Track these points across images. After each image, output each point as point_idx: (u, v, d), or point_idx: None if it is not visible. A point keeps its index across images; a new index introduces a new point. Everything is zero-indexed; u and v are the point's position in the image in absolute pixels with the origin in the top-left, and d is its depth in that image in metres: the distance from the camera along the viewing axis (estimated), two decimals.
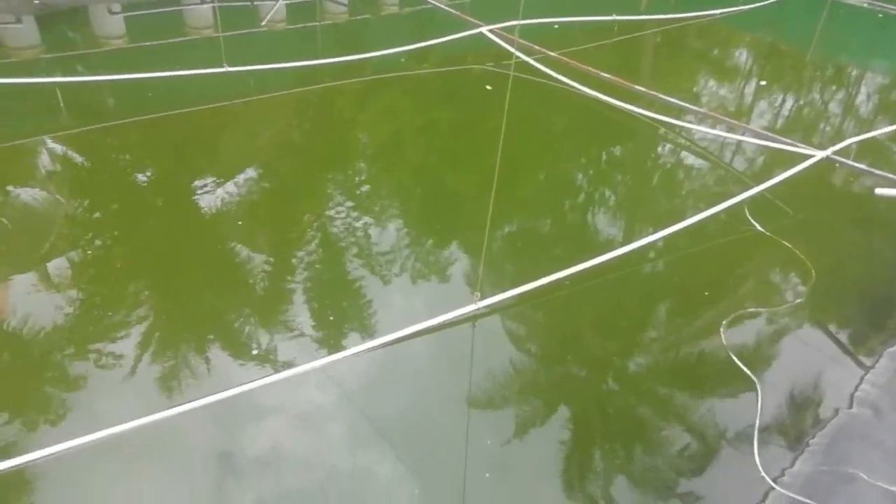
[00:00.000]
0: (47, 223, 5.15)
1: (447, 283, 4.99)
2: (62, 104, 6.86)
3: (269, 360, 4.15)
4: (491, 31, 8.68)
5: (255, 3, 10.00)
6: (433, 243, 5.44)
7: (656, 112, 7.53)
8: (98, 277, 4.68)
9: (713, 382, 4.37)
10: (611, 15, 10.44)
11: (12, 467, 3.36)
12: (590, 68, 7.96)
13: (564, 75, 7.77)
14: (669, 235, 5.43)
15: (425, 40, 8.69)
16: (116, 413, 3.65)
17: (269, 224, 5.54)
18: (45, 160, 6.00)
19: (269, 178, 6.13)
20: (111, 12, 8.82)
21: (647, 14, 11.88)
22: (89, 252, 4.91)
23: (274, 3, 9.89)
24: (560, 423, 4.00)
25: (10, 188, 5.51)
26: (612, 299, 5.05)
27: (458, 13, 9.57)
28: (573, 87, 7.60)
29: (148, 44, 8.45)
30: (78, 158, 6.10)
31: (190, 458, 3.54)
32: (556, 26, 10.08)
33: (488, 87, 8.03)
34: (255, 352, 4.20)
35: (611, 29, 10.26)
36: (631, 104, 7.44)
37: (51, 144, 6.19)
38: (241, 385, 3.92)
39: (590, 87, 7.58)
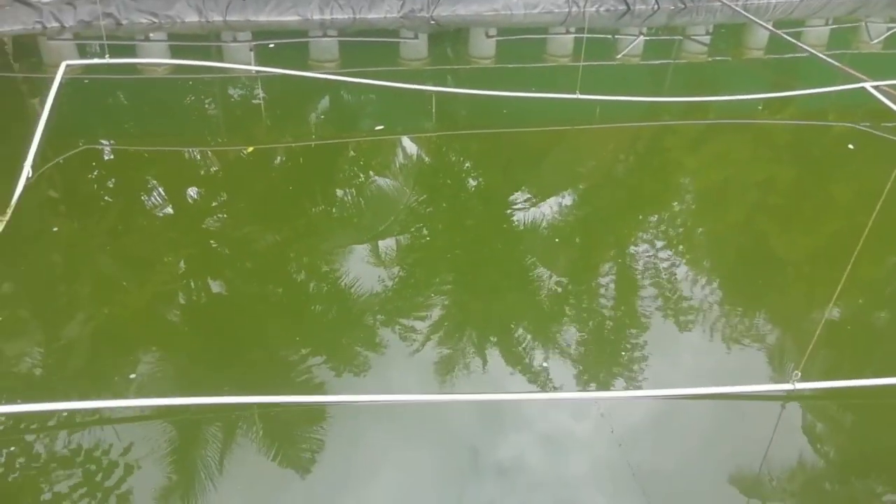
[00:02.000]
0: (390, 208, 6.02)
1: (760, 353, 4.53)
2: (433, 110, 7.92)
3: (542, 377, 4.26)
4: (876, 87, 7.57)
5: (616, 36, 10.25)
6: (748, 307, 4.97)
7: None
8: (417, 262, 5.32)
9: None
10: None
11: (306, 403, 4.02)
12: None
13: None
14: None
15: (786, 90, 7.95)
16: (399, 383, 4.13)
17: (575, 249, 5.67)
18: (401, 154, 7.01)
19: (583, 205, 6.26)
20: (487, 36, 9.86)
21: None
22: (415, 239, 5.60)
23: (634, 37, 10.02)
24: None
25: (371, 173, 6.57)
26: None
27: (836, 63, 8.54)
28: None
29: (511, 66, 9.27)
30: (427, 157, 7.00)
31: (439, 443, 3.82)
32: None
33: (850, 146, 7.03)
34: (531, 365, 4.34)
35: None
36: None
37: (409, 142, 7.20)
38: (510, 393, 4.10)
39: None
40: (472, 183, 6.53)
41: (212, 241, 5.55)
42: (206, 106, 8.01)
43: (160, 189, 6.12)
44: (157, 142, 6.88)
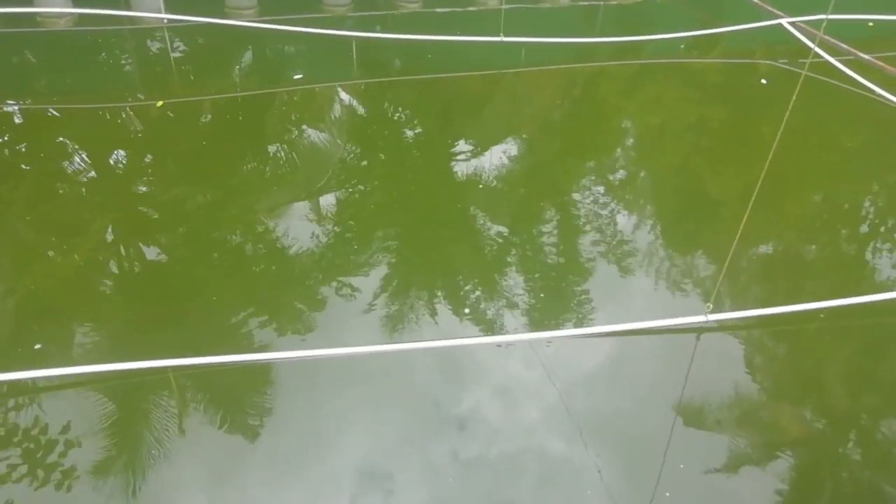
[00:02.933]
0: (325, 163, 5.83)
1: (680, 289, 4.69)
2: (355, 57, 7.66)
3: (484, 322, 4.30)
4: (792, 23, 7.77)
5: None
6: (675, 244, 5.12)
7: None
8: (354, 216, 5.20)
9: None
10: None
11: (255, 361, 3.94)
12: None
13: (875, 83, 6.69)
14: None
15: (712, 28, 8.07)
16: (347, 337, 4.09)
17: (516, 197, 5.66)
18: (332, 105, 6.78)
19: (522, 151, 6.24)
20: None
21: None
22: (352, 194, 5.46)
23: None
24: (775, 470, 3.57)
25: (304, 126, 6.33)
26: (876, 347, 4.33)
27: (757, 1, 8.69)
28: (886, 98, 6.52)
29: (439, 10, 9.01)
30: (359, 107, 6.80)
31: (396, 392, 3.83)
32: (871, 24, 8.68)
33: (763, 81, 7.25)
34: (471, 312, 4.37)
35: None
36: None
37: (339, 92, 6.95)
38: (454, 339, 4.13)
39: None
40: (409, 133, 6.39)
41: (136, 204, 5.26)
42: (116, 59, 7.50)
43: (73, 150, 5.73)
44: (64, 99, 6.41)
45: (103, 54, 7.52)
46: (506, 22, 7.52)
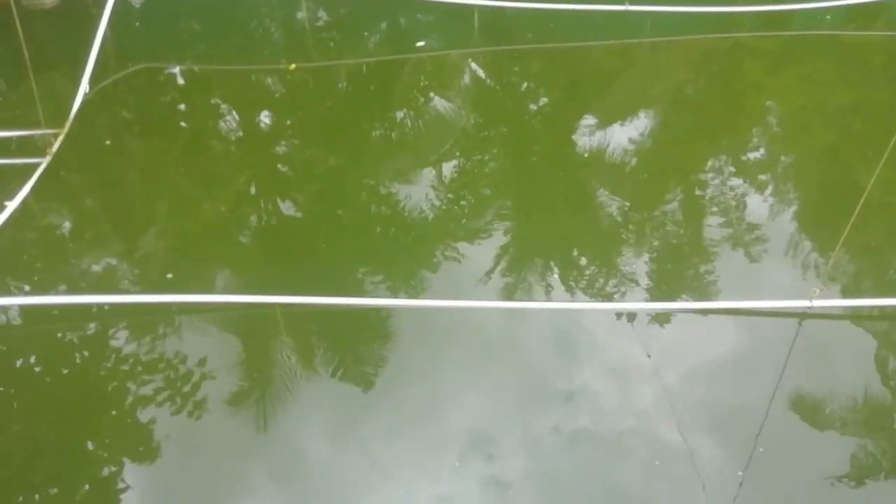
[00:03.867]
0: (448, 131, 5.98)
1: (790, 272, 4.60)
2: (476, 25, 7.69)
3: (593, 289, 4.43)
4: None
5: None
6: (795, 229, 4.96)
7: None
8: (471, 185, 5.37)
9: None
10: None
11: (375, 305, 4.29)
12: None
13: None
14: None
15: None
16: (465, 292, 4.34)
17: (638, 173, 5.64)
18: (458, 74, 6.89)
19: (649, 128, 6.11)
20: None
21: None
22: (471, 164, 5.61)
23: None
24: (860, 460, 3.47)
25: (431, 94, 6.49)
26: None
27: None
28: None
29: None
30: (484, 77, 6.87)
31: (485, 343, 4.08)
32: None
33: None
34: (581, 279, 4.53)
35: None
36: None
37: (462, 61, 7.04)
38: (564, 301, 4.30)
39: None
40: (533, 106, 6.44)
41: (277, 163, 5.68)
42: (255, 25, 7.92)
43: (221, 110, 6.21)
44: (218, 60, 6.89)
45: (245, 19, 7.98)
46: None
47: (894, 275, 4.63)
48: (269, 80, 6.69)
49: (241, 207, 5.17)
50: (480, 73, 6.98)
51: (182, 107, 6.34)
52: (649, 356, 3.96)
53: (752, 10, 7.59)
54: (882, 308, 4.29)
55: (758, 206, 5.12)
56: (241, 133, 5.98)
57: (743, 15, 7.63)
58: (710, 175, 5.47)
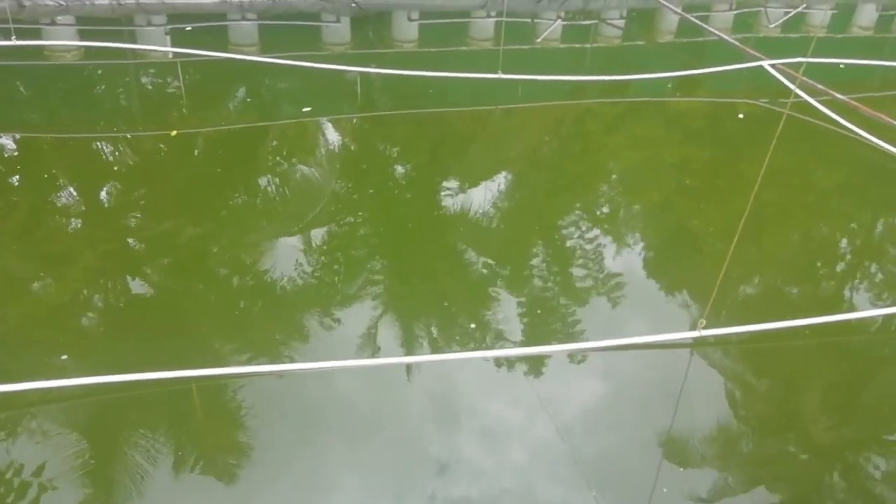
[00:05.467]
0: (316, 196, 5.98)
1: (672, 307, 4.89)
2: (356, 91, 7.93)
3: (474, 338, 4.43)
4: (772, 65, 8.12)
5: (535, 20, 10.50)
6: (662, 270, 5.32)
7: None
8: (341, 247, 5.34)
9: None
10: None
11: (264, 373, 4.05)
12: (885, 117, 7.06)
13: (852, 123, 6.99)
14: None
15: (697, 69, 8.41)
16: (332, 353, 4.20)
17: (506, 229, 5.85)
18: (330, 137, 7.00)
19: (513, 186, 6.43)
20: (410, 19, 9.90)
21: None
22: (340, 228, 5.59)
23: (552, 21, 10.30)
24: (754, 480, 3.68)
25: (298, 159, 6.52)
26: (853, 362, 4.51)
27: (739, 45, 9.07)
28: (864, 137, 6.81)
29: (434, 49, 9.36)
30: (355, 141, 7.03)
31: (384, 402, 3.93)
32: (842, 66, 9.06)
33: (740, 116, 7.58)
34: (458, 331, 4.52)
35: None
36: None
37: (336, 126, 7.17)
38: (441, 354, 4.26)
39: (882, 139, 6.74)
40: (400, 169, 6.60)
41: (132, 237, 5.39)
42: (122, 92, 7.73)
43: (73, 181, 5.89)
44: (71, 129, 6.60)
45: (106, 87, 7.76)
46: (492, 61, 7.83)
47: (768, 301, 5.05)
48: (126, 149, 6.46)
49: (87, 285, 4.74)
50: (357, 138, 7.15)
51: (16, 179, 5.95)
52: (542, 404, 3.96)
53: (598, 80, 8.42)
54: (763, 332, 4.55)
55: (619, 252, 5.44)
56: (84, 206, 5.60)
57: (592, 83, 8.43)
58: (580, 226, 5.76)
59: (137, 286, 4.78)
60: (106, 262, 4.97)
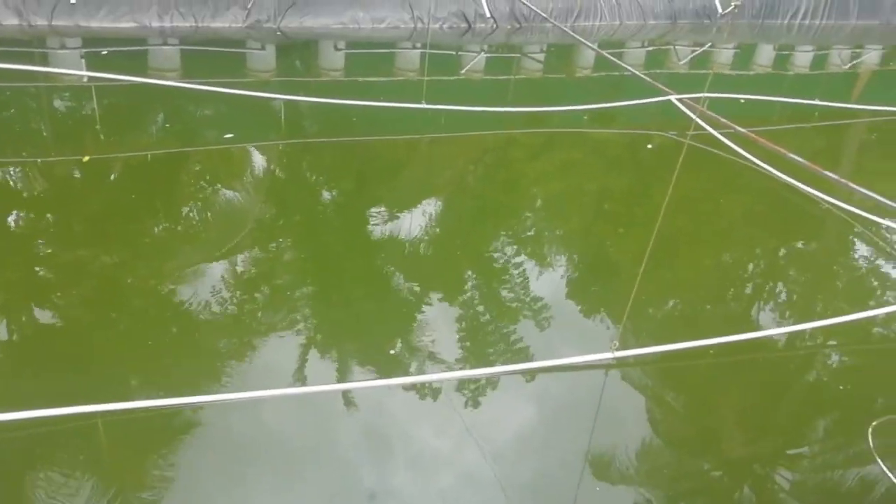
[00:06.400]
0: (241, 221, 5.91)
1: (588, 329, 5.04)
2: (279, 118, 7.91)
3: (396, 365, 4.46)
4: (679, 99, 8.62)
5: (459, 53, 10.79)
6: (580, 294, 5.51)
7: (856, 207, 6.94)
8: (263, 275, 5.26)
9: (859, 496, 3.95)
10: (813, 99, 9.88)
11: (184, 405, 3.93)
12: (781, 149, 7.60)
13: (751, 153, 7.50)
14: (833, 328, 5.03)
15: (611, 102, 8.85)
16: (258, 382, 4.15)
17: (429, 254, 5.93)
18: (253, 164, 6.94)
19: (438, 213, 6.53)
20: (336, 48, 10.00)
21: (859, 104, 11.06)
22: (265, 253, 5.54)
23: (476, 54, 10.61)
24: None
25: (219, 185, 6.43)
26: (758, 379, 4.78)
27: (650, 80, 9.60)
28: (764, 168, 7.31)
29: (361, 79, 9.46)
30: (280, 168, 6.99)
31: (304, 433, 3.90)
32: (742, 101, 9.74)
33: (649, 146, 8.02)
34: (383, 356, 4.53)
35: (811, 114, 9.70)
36: (825, 194, 6.97)
37: (259, 152, 7.13)
38: (363, 381, 4.26)
39: (778, 169, 7.26)
40: (327, 195, 6.61)
41: (38, 265, 5.16)
42: (32, 116, 7.44)
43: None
44: None
45: (15, 111, 7.45)
46: (417, 91, 8.00)
47: (678, 322, 5.30)
48: (35, 174, 6.20)
49: None
50: (280, 164, 7.12)
51: None
52: (469, 428, 3.98)
53: (521, 111, 8.72)
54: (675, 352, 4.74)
55: (542, 275, 5.60)
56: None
57: (516, 114, 8.72)
58: (497, 252, 5.92)
59: (45, 317, 4.56)
60: (9, 292, 4.73)
